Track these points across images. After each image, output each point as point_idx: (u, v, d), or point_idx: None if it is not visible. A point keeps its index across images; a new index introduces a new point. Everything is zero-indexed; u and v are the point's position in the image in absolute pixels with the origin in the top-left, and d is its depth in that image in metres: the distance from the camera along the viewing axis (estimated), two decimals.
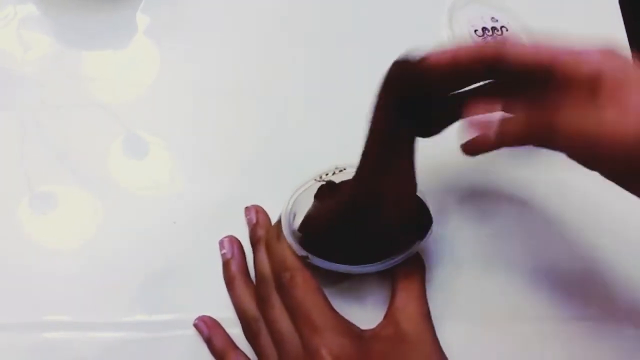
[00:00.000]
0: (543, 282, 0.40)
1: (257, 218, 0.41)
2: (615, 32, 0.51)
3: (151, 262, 0.40)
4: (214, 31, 0.49)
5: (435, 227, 0.38)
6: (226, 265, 0.40)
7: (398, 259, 0.36)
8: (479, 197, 0.43)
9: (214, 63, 0.47)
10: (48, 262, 0.40)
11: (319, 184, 0.36)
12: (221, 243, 0.40)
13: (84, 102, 0.45)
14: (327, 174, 0.36)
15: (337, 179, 0.36)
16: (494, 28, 0.50)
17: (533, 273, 0.41)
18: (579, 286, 0.41)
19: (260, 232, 0.40)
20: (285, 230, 0.36)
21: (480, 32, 0.50)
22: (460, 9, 0.51)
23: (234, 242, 0.40)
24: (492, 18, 0.51)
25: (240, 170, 0.44)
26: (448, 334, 0.37)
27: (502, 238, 0.42)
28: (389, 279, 0.38)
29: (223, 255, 0.40)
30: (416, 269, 0.38)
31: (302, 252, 0.35)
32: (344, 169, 0.37)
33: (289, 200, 0.36)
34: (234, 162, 0.44)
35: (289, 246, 0.36)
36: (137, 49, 0.48)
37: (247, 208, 0.42)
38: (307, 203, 0.37)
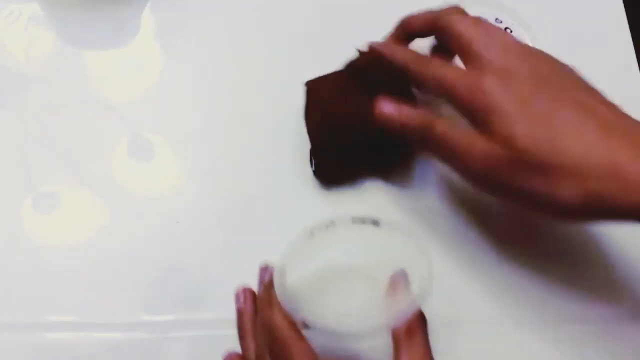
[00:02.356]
0: (543, 284, 0.40)
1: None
2: (619, 31, 0.51)
3: (154, 263, 0.40)
4: (218, 31, 0.49)
5: (435, 225, 0.37)
6: (239, 315, 0.38)
7: (397, 319, 0.32)
8: (477, 198, 0.43)
9: (219, 63, 0.48)
10: (50, 262, 0.40)
11: (311, 239, 0.33)
12: (237, 296, 0.39)
13: (87, 102, 0.46)
14: (319, 228, 0.34)
15: (330, 233, 0.34)
16: None
17: (532, 275, 0.41)
18: (578, 288, 0.40)
19: (248, 325, 0.37)
20: (278, 291, 0.32)
21: None
22: (464, 10, 0.51)
23: (248, 296, 0.38)
24: (497, 19, 0.51)
25: (244, 170, 0.44)
26: (448, 338, 0.36)
27: (501, 240, 0.42)
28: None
29: (237, 306, 0.39)
30: (417, 324, 0.33)
31: (299, 317, 0.32)
32: (334, 222, 0.34)
33: (281, 259, 0.33)
34: (238, 162, 0.44)
35: (283, 312, 0.32)
36: (141, 48, 0.48)
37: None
38: (299, 259, 0.34)
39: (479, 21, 0.37)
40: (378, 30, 0.49)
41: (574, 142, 0.31)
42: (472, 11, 0.51)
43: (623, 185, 0.30)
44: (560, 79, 0.34)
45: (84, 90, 0.46)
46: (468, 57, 0.36)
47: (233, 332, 0.38)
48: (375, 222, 0.33)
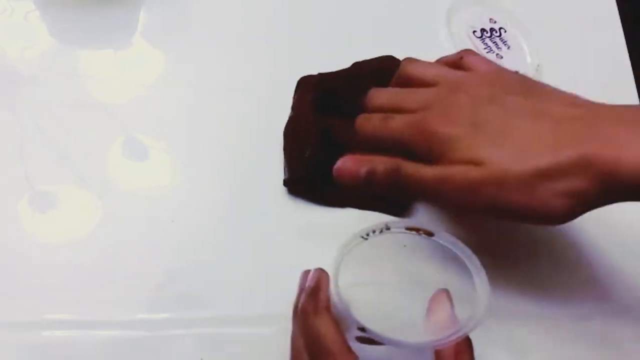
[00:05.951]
0: (544, 281, 0.41)
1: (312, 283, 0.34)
2: (612, 30, 0.51)
3: (151, 261, 0.40)
4: (214, 32, 0.49)
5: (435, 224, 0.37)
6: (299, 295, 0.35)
7: (453, 336, 0.30)
8: None
9: (215, 64, 0.47)
10: (47, 261, 0.40)
11: (364, 242, 0.32)
12: (304, 273, 0.36)
13: (83, 102, 0.45)
14: (374, 231, 0.33)
15: (383, 237, 0.33)
16: (492, 29, 0.51)
17: (534, 272, 0.41)
18: (579, 285, 0.41)
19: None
20: (333, 292, 0.31)
21: (478, 33, 0.50)
22: (459, 9, 0.52)
23: (313, 277, 0.34)
24: (491, 19, 0.51)
25: (239, 170, 0.44)
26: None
27: (503, 237, 0.42)
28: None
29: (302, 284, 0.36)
30: (464, 350, 0.32)
31: (354, 320, 0.30)
32: (389, 228, 0.33)
33: (335, 263, 0.31)
34: (233, 162, 0.44)
35: (330, 321, 0.31)
36: (137, 49, 0.48)
37: (306, 272, 0.36)
38: (351, 263, 0.32)
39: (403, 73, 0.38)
40: (377, 30, 0.50)
41: (536, 149, 0.31)
42: (467, 11, 0.52)
43: (597, 174, 0.30)
44: (502, 93, 0.34)
45: (80, 90, 0.46)
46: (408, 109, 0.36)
47: (230, 330, 0.38)
48: (430, 233, 0.33)
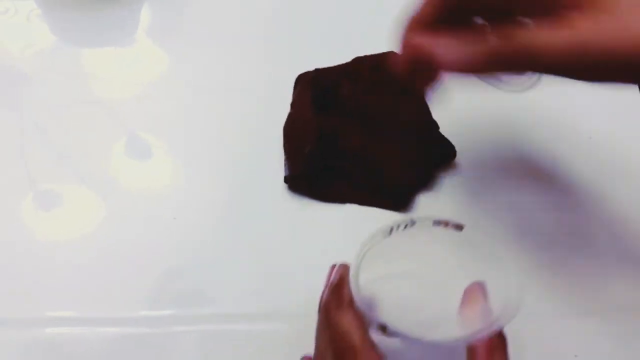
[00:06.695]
0: (545, 278, 0.41)
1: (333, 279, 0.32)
2: None
3: (153, 258, 0.40)
4: (214, 32, 0.49)
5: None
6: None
7: (484, 332, 0.30)
8: (483, 196, 0.44)
9: (214, 63, 0.48)
10: (50, 258, 0.40)
11: (388, 238, 0.31)
12: (332, 268, 0.34)
13: (85, 100, 0.46)
14: (399, 227, 0.31)
15: (408, 233, 0.31)
16: None
17: (535, 270, 0.41)
18: (580, 283, 0.41)
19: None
20: (353, 290, 0.30)
21: None
22: None
23: (337, 273, 0.33)
24: None
25: (240, 167, 0.44)
26: None
27: (503, 236, 0.42)
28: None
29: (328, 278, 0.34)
30: (498, 345, 0.30)
31: (375, 318, 0.29)
32: (415, 223, 0.32)
33: (356, 259, 0.30)
34: (235, 159, 0.44)
35: (353, 316, 0.30)
36: (137, 48, 0.48)
37: (333, 266, 0.33)
38: (374, 258, 0.31)
39: None
40: (377, 30, 0.50)
41: None
42: None
43: None
44: None
45: (82, 88, 0.46)
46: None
47: (232, 326, 0.38)
48: (459, 227, 0.31)
